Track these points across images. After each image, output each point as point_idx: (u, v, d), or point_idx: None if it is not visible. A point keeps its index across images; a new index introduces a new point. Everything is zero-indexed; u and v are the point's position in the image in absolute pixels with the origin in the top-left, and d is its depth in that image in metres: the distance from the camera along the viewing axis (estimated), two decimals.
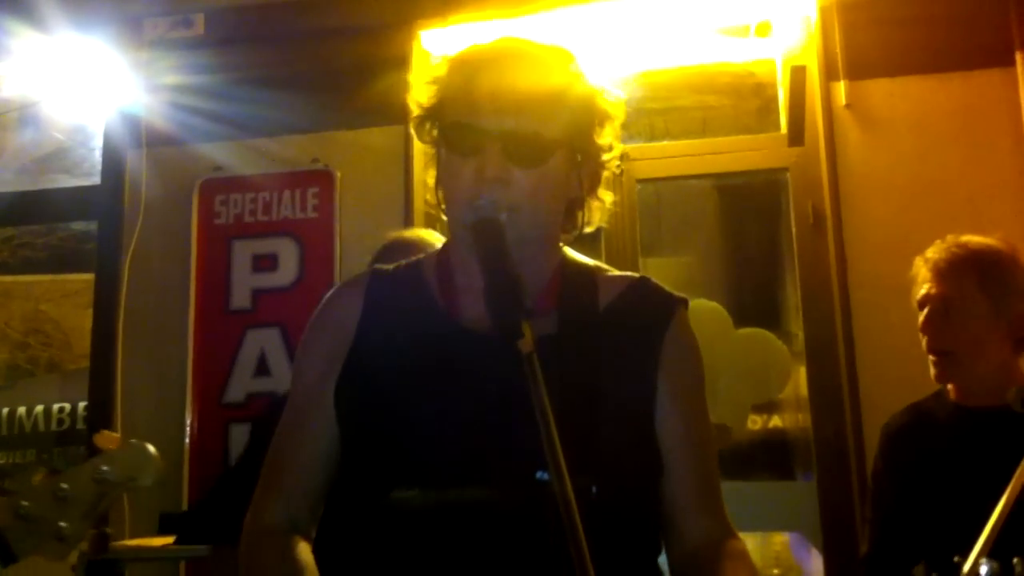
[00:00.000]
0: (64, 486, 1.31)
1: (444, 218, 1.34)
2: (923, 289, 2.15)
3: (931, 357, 2.14)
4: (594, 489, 1.11)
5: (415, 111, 1.35)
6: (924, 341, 2.14)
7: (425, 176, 1.39)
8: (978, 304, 2.07)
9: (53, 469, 1.35)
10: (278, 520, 1.30)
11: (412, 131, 1.38)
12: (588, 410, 1.18)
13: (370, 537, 1.24)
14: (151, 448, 1.37)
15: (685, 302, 1.38)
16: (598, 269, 1.39)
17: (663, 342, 1.31)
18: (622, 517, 1.21)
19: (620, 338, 1.30)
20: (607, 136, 1.33)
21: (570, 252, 1.39)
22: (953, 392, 2.19)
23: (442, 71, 1.33)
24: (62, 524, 1.30)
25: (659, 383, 1.29)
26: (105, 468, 1.32)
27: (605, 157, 1.35)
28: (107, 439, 1.34)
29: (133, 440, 1.37)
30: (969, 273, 2.09)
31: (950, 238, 2.16)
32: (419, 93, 1.35)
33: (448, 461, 1.20)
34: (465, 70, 1.30)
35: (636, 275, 1.40)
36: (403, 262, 1.41)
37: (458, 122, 1.27)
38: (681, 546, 1.29)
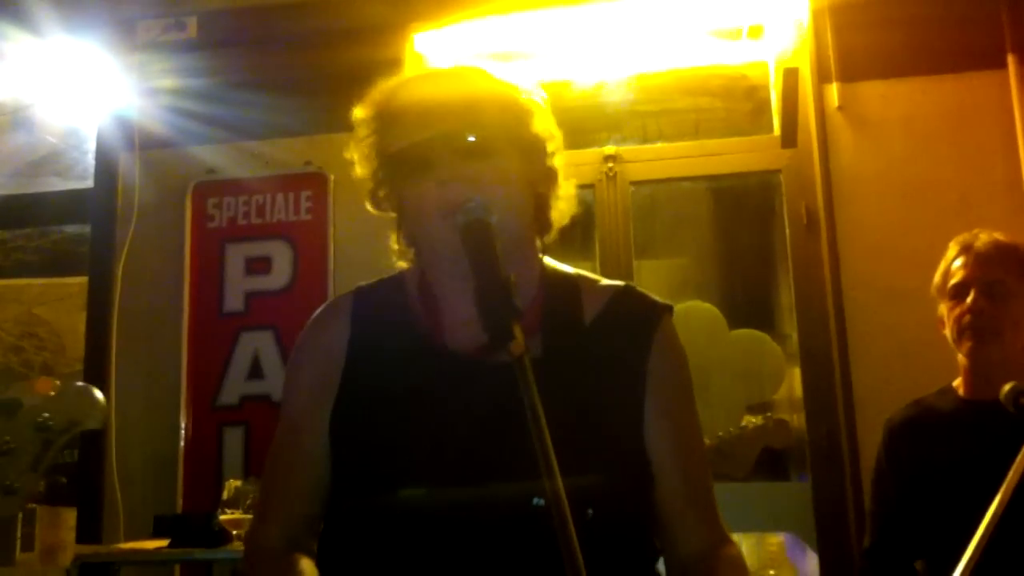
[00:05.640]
0: (7, 438, 1.28)
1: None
2: (961, 273, 2.18)
3: (968, 335, 2.15)
4: (590, 512, 1.10)
5: (373, 176, 1.34)
6: (965, 320, 2.16)
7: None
8: (1020, 291, 2.14)
9: None
10: (278, 542, 1.30)
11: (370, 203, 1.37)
12: (580, 433, 1.16)
13: (364, 558, 1.24)
14: (96, 391, 1.34)
15: (670, 309, 1.36)
16: (580, 279, 1.37)
17: (650, 353, 1.30)
18: (617, 534, 1.20)
19: (607, 353, 1.28)
20: (541, 125, 1.32)
21: (550, 262, 1.37)
22: (962, 386, 2.22)
23: (365, 128, 1.33)
24: (10, 478, 1.28)
25: (648, 394, 1.28)
26: (46, 414, 1.30)
27: (550, 147, 1.33)
28: (46, 385, 1.32)
29: (78, 383, 1.34)
30: (1011, 262, 2.16)
31: (981, 232, 2.21)
32: (362, 164, 1.34)
33: (442, 490, 1.19)
34: (387, 108, 1.31)
35: (620, 283, 1.38)
36: (385, 277, 1.40)
37: (400, 148, 1.27)
38: (676, 554, 1.29)
